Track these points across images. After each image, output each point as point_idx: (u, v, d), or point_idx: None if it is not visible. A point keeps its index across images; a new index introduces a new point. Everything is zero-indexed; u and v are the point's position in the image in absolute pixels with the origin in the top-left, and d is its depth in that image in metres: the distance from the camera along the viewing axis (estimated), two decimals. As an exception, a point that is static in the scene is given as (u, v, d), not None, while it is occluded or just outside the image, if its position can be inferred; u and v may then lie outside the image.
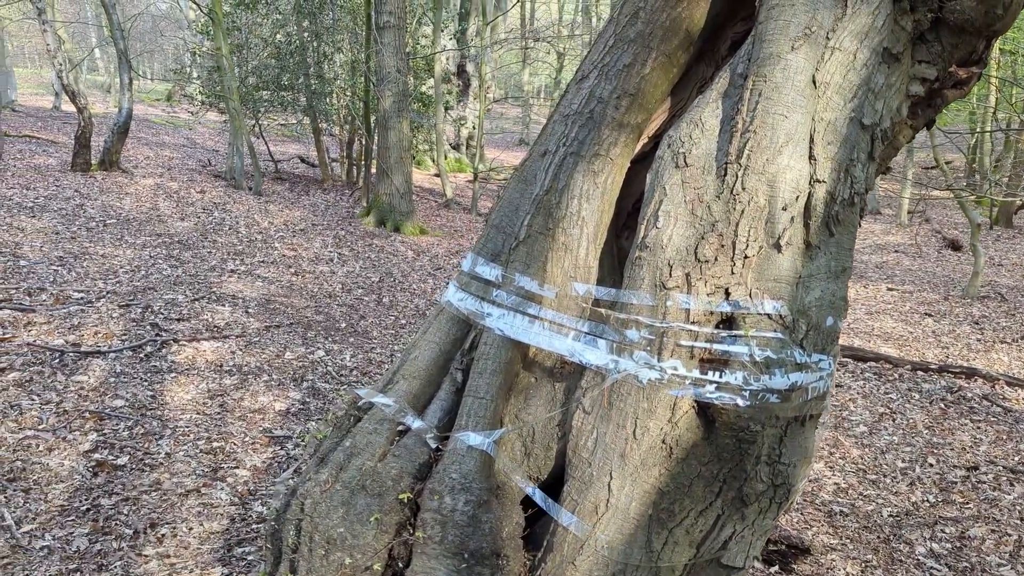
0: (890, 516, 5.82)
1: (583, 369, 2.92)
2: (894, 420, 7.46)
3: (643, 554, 2.75)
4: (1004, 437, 7.21)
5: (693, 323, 2.68)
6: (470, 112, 23.41)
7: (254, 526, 4.75)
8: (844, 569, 5.02)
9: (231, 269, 10.31)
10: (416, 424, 2.93)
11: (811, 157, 2.70)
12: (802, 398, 2.67)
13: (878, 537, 5.52)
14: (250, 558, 4.38)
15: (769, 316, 2.67)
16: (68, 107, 22.94)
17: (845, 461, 6.55)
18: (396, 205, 14.61)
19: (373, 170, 16.00)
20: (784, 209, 2.67)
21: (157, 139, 20.83)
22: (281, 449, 5.89)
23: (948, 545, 5.41)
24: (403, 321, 9.65)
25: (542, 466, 2.96)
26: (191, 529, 4.64)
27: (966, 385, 8.57)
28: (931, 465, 6.73)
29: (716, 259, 2.69)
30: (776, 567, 4.75)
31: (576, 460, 2.82)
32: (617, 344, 2.76)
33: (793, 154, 2.67)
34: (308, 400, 6.85)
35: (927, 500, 6.13)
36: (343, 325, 9.11)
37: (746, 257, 2.68)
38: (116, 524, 4.58)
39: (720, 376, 2.62)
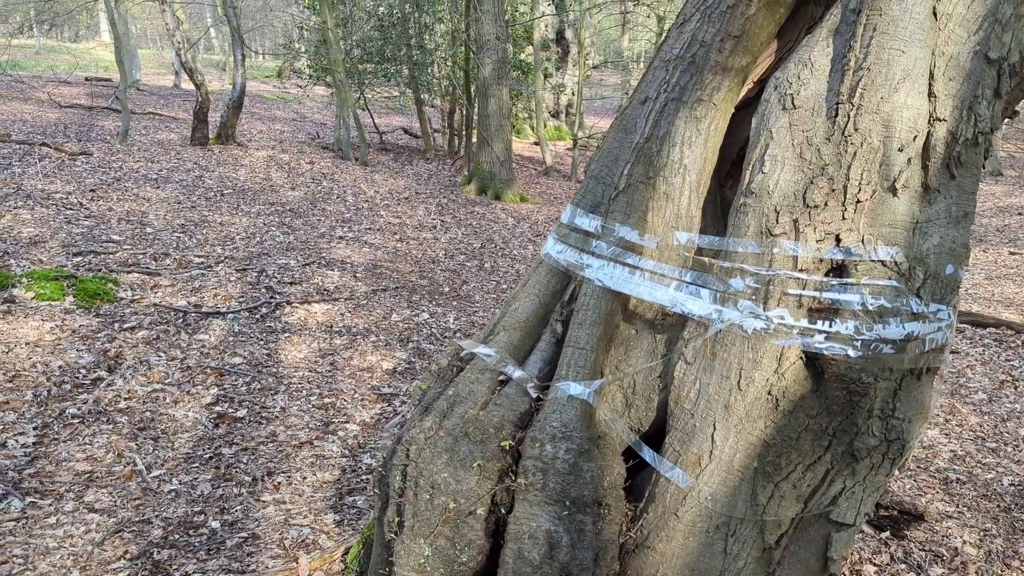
0: (1011, 486, 5.53)
1: (685, 320, 2.87)
2: (1016, 388, 7.06)
3: (748, 507, 2.70)
4: None
5: (801, 271, 2.59)
6: (569, 79, 23.20)
7: (363, 477, 4.91)
8: (961, 537, 4.81)
9: (339, 236, 10.60)
10: (517, 374, 2.95)
11: (931, 94, 2.55)
12: (918, 349, 2.55)
13: (998, 506, 5.25)
14: (360, 505, 4.53)
15: (883, 263, 2.55)
16: (187, 85, 23.97)
17: (963, 428, 6.25)
18: (496, 173, 14.67)
19: (474, 139, 16.10)
20: (900, 150, 2.54)
21: (269, 114, 21.54)
22: (388, 406, 6.06)
23: (1074, 519, 5.10)
24: (504, 286, 9.72)
25: (643, 417, 2.94)
26: (305, 478, 4.84)
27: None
28: (1060, 433, 6.35)
29: (826, 204, 2.59)
30: (888, 532, 4.60)
31: (678, 411, 2.79)
32: (721, 294, 2.70)
33: (911, 91, 2.53)
34: (413, 360, 7.01)
35: (1054, 470, 5.79)
36: (446, 289, 9.25)
37: (858, 202, 2.57)
38: (236, 472, 4.82)
39: (829, 326, 2.52)
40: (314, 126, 20.26)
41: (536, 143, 20.52)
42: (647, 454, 2.77)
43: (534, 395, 2.94)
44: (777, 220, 2.63)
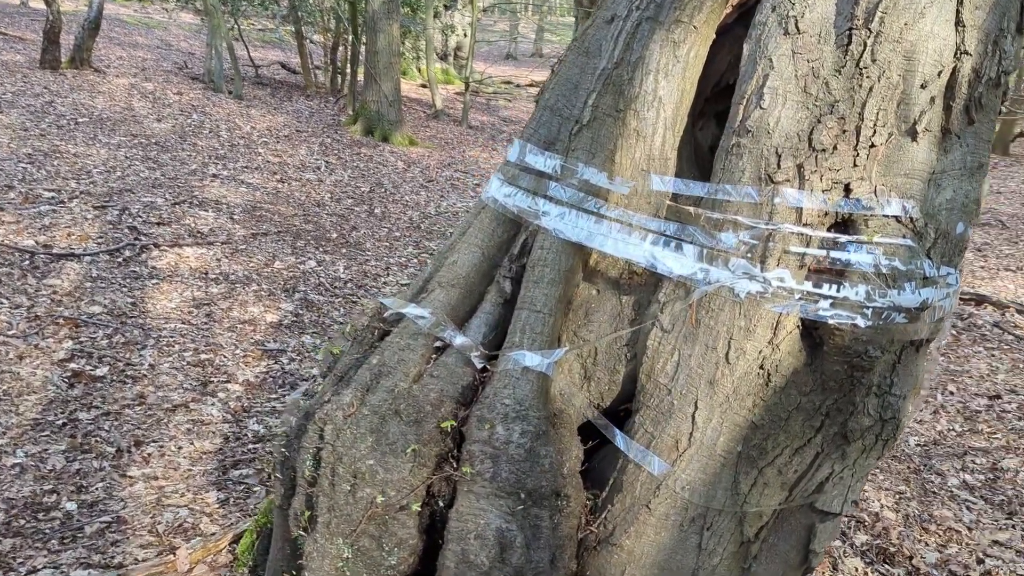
0: (918, 446, 5.52)
1: (659, 280, 2.45)
2: (919, 347, 7.11)
3: (728, 496, 2.33)
4: (1021, 366, 6.91)
5: (805, 225, 2.20)
6: (459, 20, 22.36)
7: (251, 446, 4.32)
8: (879, 501, 4.71)
9: (213, 173, 9.67)
10: (458, 340, 2.45)
11: (958, 23, 2.19)
12: (930, 318, 2.22)
13: (908, 467, 5.21)
14: (249, 481, 3.96)
15: (897, 219, 2.20)
16: (37, 3, 21.59)
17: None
18: (384, 113, 13.88)
19: (359, 77, 15.18)
20: (923, 87, 2.18)
21: (130, 39, 19.69)
22: (275, 363, 5.45)
23: (981, 477, 5.12)
24: (397, 233, 9.12)
25: (605, 392, 2.52)
26: (180, 448, 4.21)
27: (976, 312, 8.26)
28: (952, 393, 6.43)
29: (835, 148, 2.20)
30: (817, 502, 4.41)
31: (651, 387, 2.38)
32: (708, 250, 2.28)
33: (938, 18, 2.16)
34: (301, 312, 6.39)
35: (953, 429, 5.83)
36: (334, 235, 8.57)
37: (872, 146, 2.20)
38: (96, 441, 4.13)
39: (837, 290, 2.15)
40: (181, 55, 18.67)
41: (424, 85, 19.69)
42: (619, 438, 2.36)
43: (479, 366, 2.46)
44: (779, 165, 2.23)
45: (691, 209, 2.34)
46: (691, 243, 2.32)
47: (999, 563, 4.28)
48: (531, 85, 23.61)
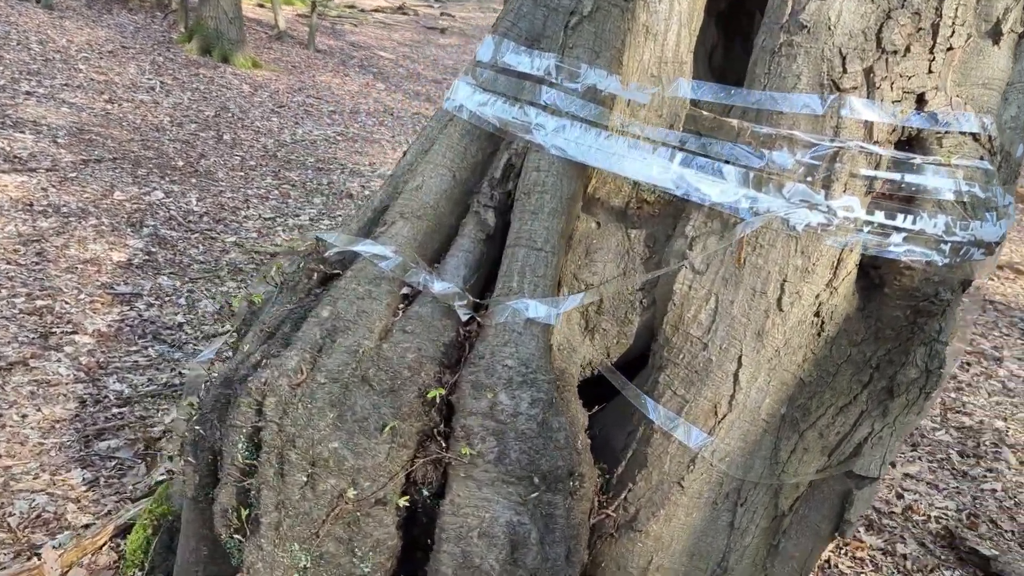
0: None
1: (680, 209, 2.02)
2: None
3: (766, 466, 1.97)
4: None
5: (875, 143, 1.82)
6: (298, -66, 20.63)
7: (115, 410, 3.59)
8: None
9: (26, 91, 8.33)
10: (438, 286, 1.92)
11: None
12: (998, 254, 1.93)
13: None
14: (121, 455, 3.26)
15: (974, 137, 1.86)
16: None
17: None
18: (224, 31, 12.56)
19: (192, -11, 13.66)
20: (1011, -21, 1.83)
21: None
22: (130, 309, 4.64)
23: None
24: (252, 163, 8.21)
25: (611, 346, 2.08)
26: (25, 416, 3.43)
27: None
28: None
29: (908, 50, 1.83)
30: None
31: (680, 340, 1.96)
32: (756, 172, 1.86)
33: None
34: (153, 250, 5.53)
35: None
36: (180, 163, 7.58)
37: (950, 48, 1.84)
38: (-90, 419, 3.29)
39: (913, 222, 1.80)
40: (-28, -46, 16.14)
41: (262, 4, 18.12)
42: (649, 405, 1.92)
43: (464, 317, 1.95)
44: (844, 68, 1.82)
45: (732, 122, 1.90)
46: (732, 164, 1.89)
47: (916, 496, 4.26)
48: (377, 10, 22.27)
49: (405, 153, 2.27)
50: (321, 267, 2.13)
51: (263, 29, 16.76)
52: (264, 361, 1.94)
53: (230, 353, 2.29)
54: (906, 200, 1.84)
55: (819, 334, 1.91)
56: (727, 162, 1.90)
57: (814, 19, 1.86)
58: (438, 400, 1.84)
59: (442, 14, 21.63)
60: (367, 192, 7.80)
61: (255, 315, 2.24)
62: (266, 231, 6.29)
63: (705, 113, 1.95)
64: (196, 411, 2.09)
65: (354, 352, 1.87)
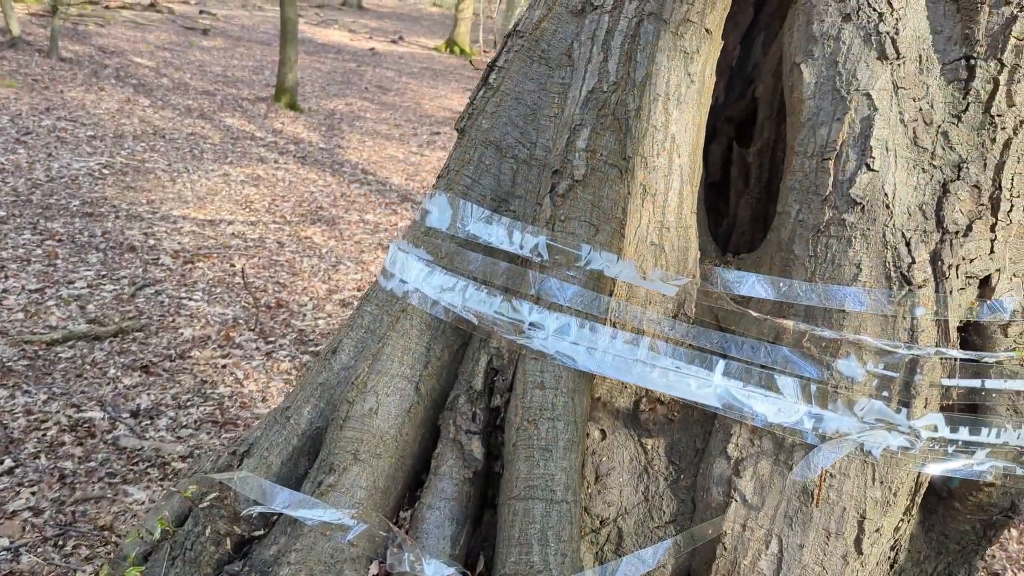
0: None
1: (707, 413, 1.63)
2: None
3: None
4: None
5: (950, 344, 1.53)
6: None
7: None
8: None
9: None
10: (430, 569, 1.40)
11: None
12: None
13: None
14: None
15: (1039, 324, 1.63)
16: None
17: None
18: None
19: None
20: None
21: None
22: None
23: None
24: (0, 212, 6.91)
25: (633, 590, 1.65)
26: None
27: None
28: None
29: (970, 228, 1.55)
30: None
31: (734, 591, 1.57)
32: (819, 385, 1.51)
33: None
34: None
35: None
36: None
37: (1009, 223, 1.59)
38: None
39: (997, 435, 1.53)
40: None
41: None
42: None
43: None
44: (912, 256, 1.52)
45: (786, 323, 1.54)
46: (786, 374, 1.53)
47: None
48: (124, 7, 20.14)
49: (335, 350, 1.71)
50: (235, 528, 1.53)
51: (-4, 42, 14.66)
52: None
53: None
54: (971, 408, 1.57)
55: (891, 567, 1.59)
56: (782, 371, 1.53)
57: (868, 195, 1.54)
58: None
59: (201, 12, 19.86)
60: (151, 242, 6.70)
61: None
62: (35, 309, 5.17)
63: (754, 314, 1.57)
64: None
65: None
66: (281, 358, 4.57)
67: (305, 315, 5.27)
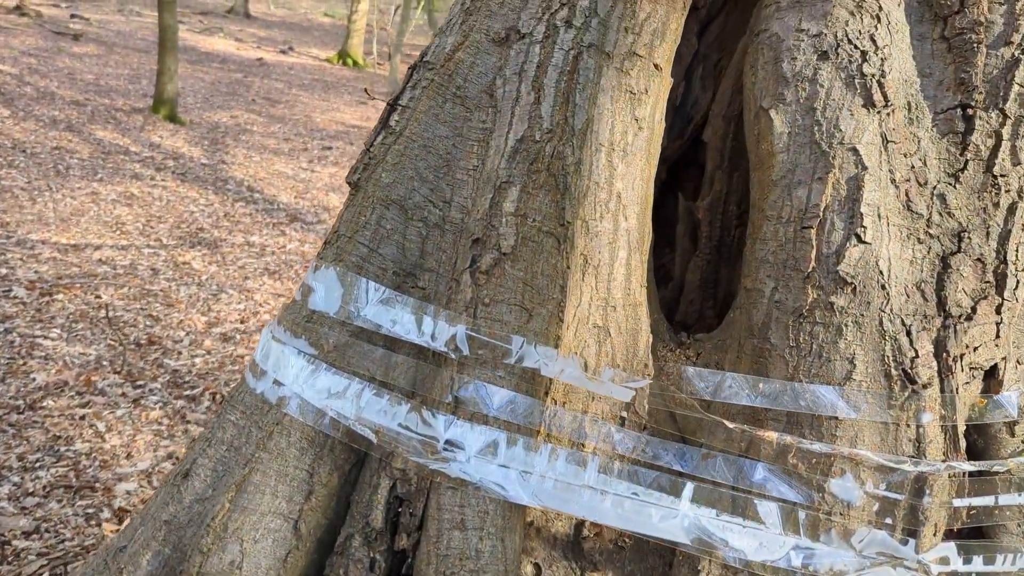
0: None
1: (667, 548, 1.31)
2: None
3: None
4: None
5: (959, 455, 1.26)
6: None
7: None
8: None
9: None
10: None
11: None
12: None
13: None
14: None
15: (1046, 422, 1.38)
16: None
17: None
18: None
19: None
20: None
21: None
22: None
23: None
24: None
25: None
26: None
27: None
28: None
29: (974, 310, 1.29)
30: None
31: None
32: (808, 511, 1.21)
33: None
34: None
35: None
36: None
37: (1015, 302, 1.34)
38: None
39: (1012, 562, 1.26)
40: None
41: None
42: None
43: None
44: (915, 349, 1.24)
45: (770, 435, 1.23)
46: (767, 497, 1.22)
47: None
48: None
49: (186, 473, 1.30)
50: None
51: None
52: None
53: None
54: (977, 531, 1.31)
55: None
56: (761, 495, 1.22)
57: (860, 272, 1.25)
58: None
59: (73, 16, 18.52)
60: (3, 271, 5.94)
61: None
62: None
63: (729, 424, 1.25)
64: None
65: None
66: (151, 405, 4.00)
67: (180, 353, 4.68)
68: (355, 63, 15.91)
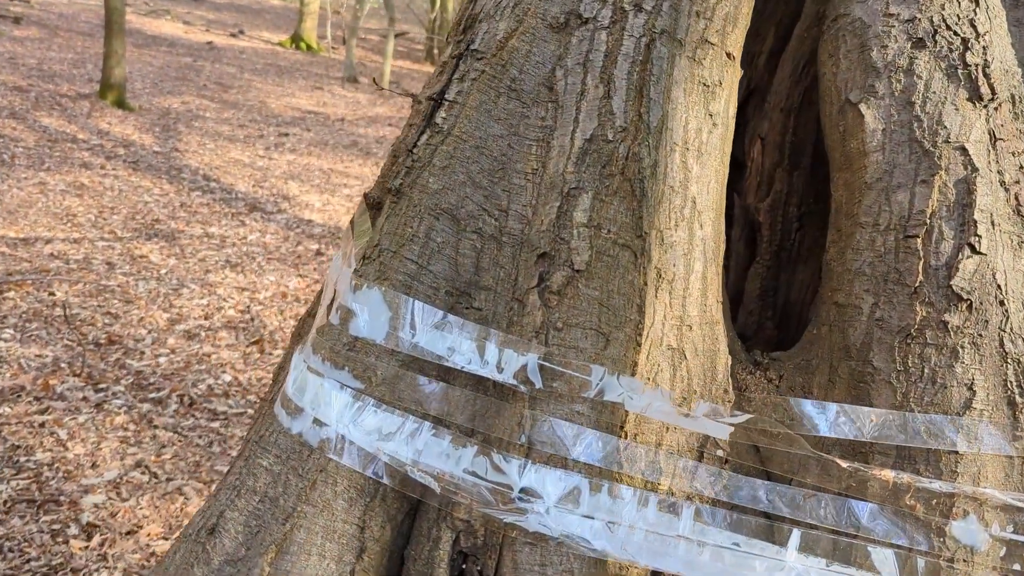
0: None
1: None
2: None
3: None
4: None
5: (1080, 489, 1.14)
6: None
7: None
8: None
9: None
10: None
11: None
12: None
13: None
14: None
15: None
16: None
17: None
18: None
19: None
20: None
21: None
22: None
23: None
24: None
25: None
26: None
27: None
28: None
29: (1093, 334, 1.17)
30: None
31: None
32: (928, 559, 1.08)
33: None
34: None
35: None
36: None
37: None
38: None
39: None
40: None
41: None
42: None
43: None
44: (1038, 374, 1.11)
45: (886, 473, 1.09)
46: (880, 543, 1.09)
47: None
48: None
49: (212, 529, 1.12)
50: None
51: None
52: None
53: None
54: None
55: None
56: (873, 541, 1.09)
57: (976, 287, 1.12)
58: None
59: None
60: None
61: None
62: None
63: (842, 463, 1.11)
64: None
65: None
66: (115, 409, 3.75)
67: (143, 352, 4.41)
68: (309, 47, 15.51)
